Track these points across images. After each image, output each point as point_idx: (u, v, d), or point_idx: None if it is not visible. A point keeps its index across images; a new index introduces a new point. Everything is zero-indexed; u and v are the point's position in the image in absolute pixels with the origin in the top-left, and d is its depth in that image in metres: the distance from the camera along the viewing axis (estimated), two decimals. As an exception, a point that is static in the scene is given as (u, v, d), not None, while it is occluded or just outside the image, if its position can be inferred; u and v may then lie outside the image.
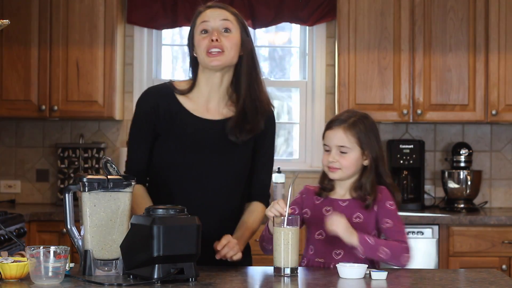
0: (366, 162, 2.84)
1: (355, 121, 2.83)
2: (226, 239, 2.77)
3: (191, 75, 2.98)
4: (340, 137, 2.81)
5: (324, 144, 2.87)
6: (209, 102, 2.94)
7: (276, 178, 5.12)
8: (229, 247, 2.75)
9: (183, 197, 2.87)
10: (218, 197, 2.90)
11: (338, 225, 2.69)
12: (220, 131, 2.91)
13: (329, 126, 2.87)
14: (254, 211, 2.94)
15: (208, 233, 2.80)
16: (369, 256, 2.71)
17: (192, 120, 2.91)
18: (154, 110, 2.91)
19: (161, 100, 2.92)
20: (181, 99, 2.94)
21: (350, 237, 2.69)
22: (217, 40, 2.84)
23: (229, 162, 2.91)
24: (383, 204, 2.81)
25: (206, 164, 2.89)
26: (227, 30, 2.87)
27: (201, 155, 2.89)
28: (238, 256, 2.77)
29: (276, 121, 3.08)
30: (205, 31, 2.87)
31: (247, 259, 2.95)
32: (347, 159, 2.81)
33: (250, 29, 5.34)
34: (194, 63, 2.94)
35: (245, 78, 2.92)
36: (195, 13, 2.95)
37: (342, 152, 2.81)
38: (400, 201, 2.87)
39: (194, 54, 2.92)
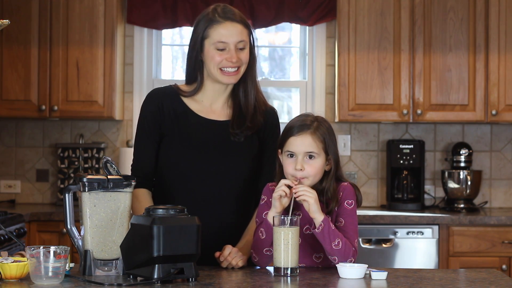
0: (328, 167, 2.75)
1: (319, 125, 2.73)
2: (227, 250, 2.76)
3: (191, 77, 2.98)
4: (309, 143, 2.70)
5: (288, 151, 2.72)
6: (214, 104, 2.96)
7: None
8: (231, 256, 2.74)
9: (187, 196, 2.88)
10: (223, 197, 2.91)
11: (309, 195, 2.62)
12: (225, 132, 2.92)
13: (292, 132, 2.72)
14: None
15: (211, 233, 2.80)
16: (323, 240, 2.64)
17: (198, 120, 2.92)
18: (159, 109, 2.93)
19: (166, 100, 2.94)
20: (186, 100, 2.96)
21: (318, 211, 2.62)
22: (236, 60, 2.85)
23: (234, 162, 2.92)
24: (341, 203, 2.74)
25: (212, 164, 2.90)
26: (242, 47, 2.88)
27: (206, 155, 2.90)
28: (242, 262, 2.76)
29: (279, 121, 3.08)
30: (222, 48, 2.85)
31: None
32: (314, 166, 2.70)
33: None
34: (199, 66, 2.93)
35: (250, 82, 2.94)
36: (206, 18, 2.88)
37: (308, 159, 2.70)
38: (361, 201, 2.79)
39: (201, 59, 2.91)
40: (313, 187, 2.71)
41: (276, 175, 2.81)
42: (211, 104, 2.96)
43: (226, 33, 2.85)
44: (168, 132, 2.92)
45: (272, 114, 3.02)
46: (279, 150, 2.78)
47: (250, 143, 2.95)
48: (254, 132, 2.95)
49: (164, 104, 2.93)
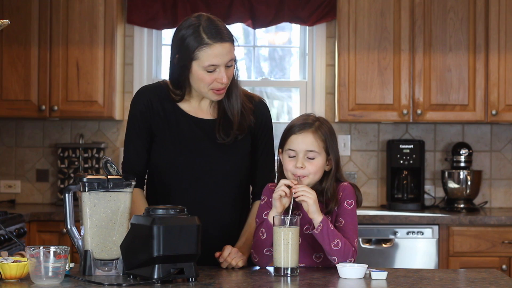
0: (328, 168, 2.76)
1: (320, 125, 2.74)
2: (227, 250, 2.76)
3: (175, 85, 2.93)
4: (310, 141, 2.71)
5: (289, 149, 2.74)
6: (202, 102, 2.95)
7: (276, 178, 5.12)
8: (230, 257, 2.74)
9: (182, 196, 2.88)
10: (218, 195, 2.91)
11: (308, 195, 2.62)
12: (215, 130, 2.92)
13: (293, 130, 2.74)
14: (256, 213, 2.93)
15: (208, 233, 2.80)
16: (323, 241, 2.64)
17: (187, 119, 2.92)
18: (148, 108, 2.92)
19: (155, 98, 2.93)
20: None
21: (317, 211, 2.62)
22: (226, 81, 2.82)
23: (228, 160, 2.91)
24: (341, 203, 2.74)
25: (204, 163, 2.90)
26: (230, 65, 2.84)
27: (198, 154, 2.90)
28: (242, 262, 2.76)
29: (272, 119, 3.07)
30: (212, 70, 2.80)
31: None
32: (315, 165, 2.71)
33: (250, 29, 5.38)
34: (184, 79, 2.88)
35: (235, 88, 2.91)
36: (194, 38, 2.78)
37: (309, 158, 2.71)
38: (361, 201, 2.79)
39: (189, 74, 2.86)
40: (313, 187, 2.72)
41: (277, 175, 2.82)
42: (200, 103, 2.95)
43: (216, 55, 2.78)
44: (158, 132, 2.92)
45: (262, 109, 3.00)
46: (280, 150, 2.79)
47: (242, 139, 2.94)
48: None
49: (153, 102, 2.92)
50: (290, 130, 2.75)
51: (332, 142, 2.74)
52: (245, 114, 2.92)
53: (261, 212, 2.79)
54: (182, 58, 2.83)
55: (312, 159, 2.72)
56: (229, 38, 2.82)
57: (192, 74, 2.83)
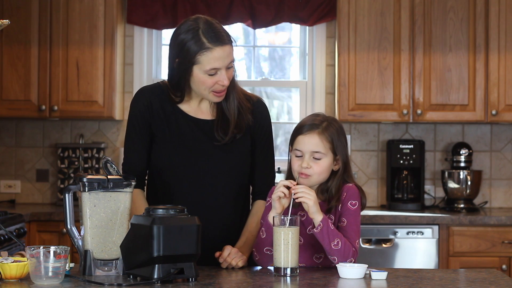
0: (336, 167, 2.78)
1: (328, 126, 2.76)
2: (227, 251, 2.76)
3: (174, 88, 2.93)
4: (316, 142, 2.73)
5: (296, 149, 2.76)
6: (201, 103, 2.95)
7: (276, 178, 5.12)
8: (230, 257, 2.74)
9: (182, 196, 2.88)
10: (218, 195, 2.91)
11: (308, 196, 2.63)
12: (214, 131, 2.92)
13: (301, 130, 2.77)
14: (257, 212, 2.93)
15: (209, 233, 2.80)
16: (323, 240, 2.65)
17: (187, 120, 2.92)
18: (148, 108, 2.92)
19: (154, 99, 2.93)
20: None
21: (317, 211, 2.63)
22: (227, 82, 2.81)
23: (227, 160, 2.92)
24: (345, 203, 2.75)
25: (204, 163, 2.90)
26: (230, 66, 2.84)
27: (198, 154, 2.90)
28: (242, 262, 2.76)
29: (272, 119, 3.07)
30: (214, 73, 2.80)
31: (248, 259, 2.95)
32: (321, 165, 2.74)
33: (250, 29, 5.38)
34: (184, 82, 2.88)
35: (232, 88, 2.91)
36: (195, 42, 2.78)
37: (315, 158, 2.73)
38: (365, 204, 2.80)
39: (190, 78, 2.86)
40: (318, 185, 2.74)
41: (287, 172, 2.84)
42: (199, 103, 2.95)
43: (217, 59, 2.78)
44: (158, 133, 2.92)
45: (260, 109, 2.99)
46: (290, 147, 2.82)
47: (242, 139, 2.94)
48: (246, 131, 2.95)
49: (153, 103, 2.93)
50: (299, 130, 2.78)
51: (339, 143, 2.76)
52: (243, 113, 2.93)
53: (266, 213, 2.79)
54: (183, 62, 2.83)
55: (318, 159, 2.74)
56: (228, 41, 2.82)
57: (193, 78, 2.83)
